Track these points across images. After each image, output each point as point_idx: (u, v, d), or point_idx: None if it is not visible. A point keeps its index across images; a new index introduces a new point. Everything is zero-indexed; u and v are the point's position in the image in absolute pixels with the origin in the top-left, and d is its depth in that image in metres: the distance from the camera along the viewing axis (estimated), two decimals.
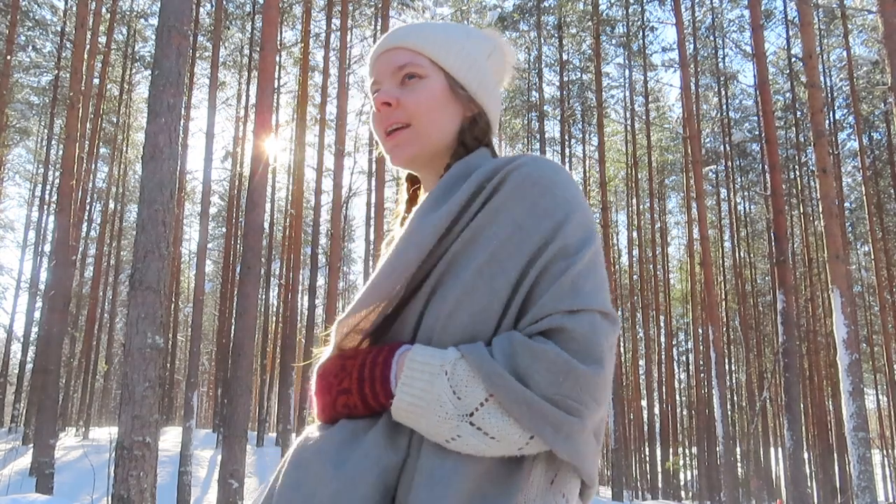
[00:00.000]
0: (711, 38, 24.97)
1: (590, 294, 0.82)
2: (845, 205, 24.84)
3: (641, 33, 24.17)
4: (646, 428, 28.38)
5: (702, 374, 25.17)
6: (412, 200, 1.09)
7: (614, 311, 0.85)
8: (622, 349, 27.28)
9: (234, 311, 15.90)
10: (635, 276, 28.59)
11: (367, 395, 0.84)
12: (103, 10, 17.88)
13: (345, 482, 0.80)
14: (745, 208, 28.35)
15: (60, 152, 17.78)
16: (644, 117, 25.40)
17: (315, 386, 0.92)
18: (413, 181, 1.10)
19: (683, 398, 32.87)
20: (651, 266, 27.33)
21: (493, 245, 0.85)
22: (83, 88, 13.87)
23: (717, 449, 16.54)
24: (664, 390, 26.45)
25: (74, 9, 18.10)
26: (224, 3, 19.36)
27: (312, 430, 0.91)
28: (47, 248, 20.95)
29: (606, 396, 0.82)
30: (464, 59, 1.00)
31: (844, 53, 22.63)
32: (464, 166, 0.94)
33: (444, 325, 0.84)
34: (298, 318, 21.00)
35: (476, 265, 0.84)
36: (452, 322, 0.84)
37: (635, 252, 27.15)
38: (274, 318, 27.95)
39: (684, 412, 33.00)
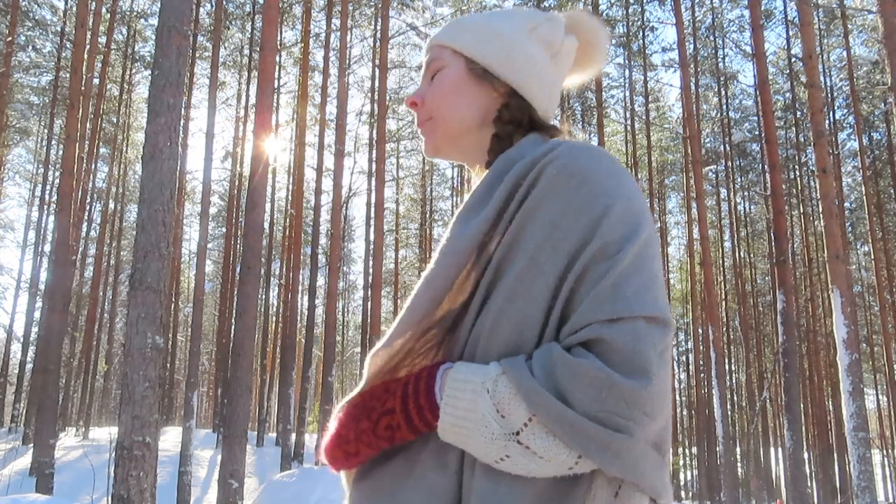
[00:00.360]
0: (711, 38, 24.97)
1: (632, 298, 0.75)
2: (845, 205, 24.84)
3: (641, 33, 24.18)
4: None
5: (702, 374, 25.16)
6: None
7: (666, 312, 0.77)
8: None
9: (234, 311, 15.89)
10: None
11: (411, 412, 0.80)
12: (103, 10, 17.89)
13: None
14: (745, 208, 28.35)
15: (60, 152, 17.78)
16: (644, 117, 25.40)
17: (341, 419, 0.85)
18: None
19: (683, 398, 32.86)
20: None
21: (532, 248, 0.79)
22: (83, 88, 13.87)
23: (717, 449, 16.54)
24: None
25: (74, 9, 18.09)
26: (224, 3, 19.35)
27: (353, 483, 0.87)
28: (47, 248, 20.95)
29: (662, 408, 0.74)
30: (485, 37, 0.95)
31: (844, 53, 22.64)
32: (504, 161, 0.88)
33: (489, 338, 0.80)
34: (298, 318, 21.00)
35: (517, 271, 0.79)
36: (496, 333, 0.79)
37: None
38: (274, 318, 27.95)
39: (684, 412, 32.99)
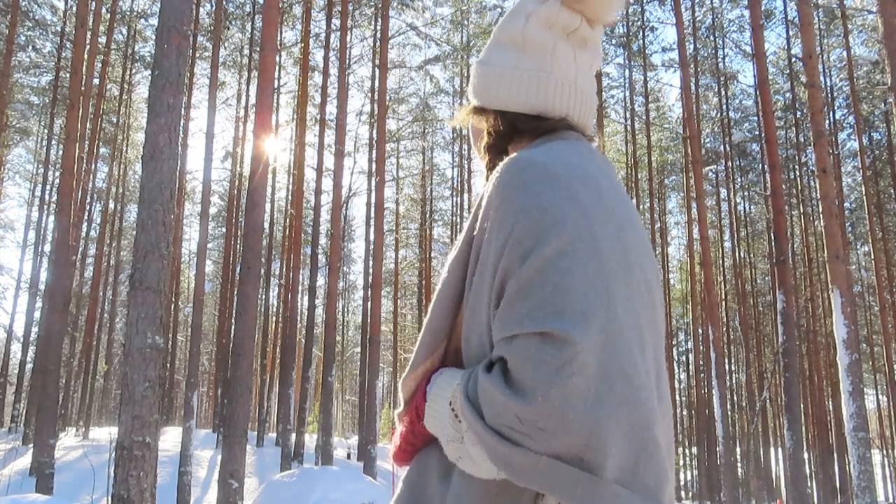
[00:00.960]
0: (711, 38, 24.96)
1: (525, 316, 0.75)
2: (845, 205, 24.83)
3: (641, 33, 24.17)
4: None
5: (702, 374, 25.16)
6: None
7: (567, 325, 0.73)
8: None
9: (234, 311, 15.89)
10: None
11: (419, 411, 0.91)
12: (103, 10, 17.88)
13: None
14: (745, 208, 28.34)
15: (60, 152, 17.78)
16: (644, 117, 25.39)
17: (404, 410, 0.98)
18: None
19: (683, 398, 32.86)
20: None
21: (480, 263, 0.86)
22: (83, 88, 13.87)
23: (717, 449, 16.54)
24: None
25: (74, 9, 18.09)
26: (224, 3, 19.35)
27: None
28: (47, 248, 20.94)
29: (563, 423, 0.72)
30: (472, 82, 1.03)
31: (844, 53, 22.62)
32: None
33: (466, 348, 0.89)
34: (298, 318, 21.00)
35: (474, 287, 0.86)
36: (469, 344, 0.88)
37: None
38: (274, 318, 27.95)
39: (684, 412, 32.99)
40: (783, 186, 14.43)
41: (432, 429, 0.88)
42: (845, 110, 25.57)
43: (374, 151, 19.64)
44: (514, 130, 0.99)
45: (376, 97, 19.90)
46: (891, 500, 28.98)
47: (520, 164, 0.85)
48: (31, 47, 23.03)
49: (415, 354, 0.95)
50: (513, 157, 0.87)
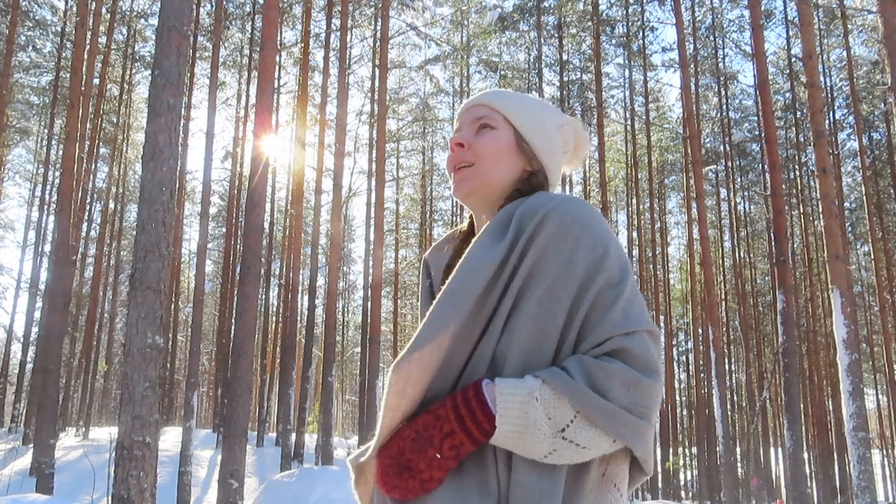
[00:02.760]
0: (711, 38, 24.96)
1: (638, 317, 0.97)
2: (845, 205, 24.83)
3: (641, 33, 24.17)
4: None
5: (702, 374, 25.16)
6: (470, 229, 1.24)
7: (656, 327, 1.00)
8: None
9: (234, 311, 15.89)
10: (635, 276, 28.55)
11: (470, 429, 0.95)
12: (103, 10, 17.88)
13: None
14: (745, 208, 28.34)
15: (60, 152, 17.78)
16: (644, 117, 25.39)
17: (402, 454, 0.98)
18: (471, 226, 1.24)
19: (683, 398, 32.86)
20: (651, 266, 27.32)
21: (548, 279, 0.98)
22: (83, 88, 13.87)
23: (717, 449, 16.54)
24: (664, 390, 26.45)
25: (74, 9, 18.10)
26: (224, 3, 19.35)
27: None
28: (47, 248, 20.94)
29: (661, 399, 0.97)
30: (533, 121, 1.16)
31: (844, 53, 22.63)
32: (510, 207, 1.07)
33: (514, 352, 0.98)
34: (298, 318, 21.00)
35: (536, 297, 0.98)
36: (520, 348, 0.98)
37: (635, 252, 27.13)
38: (274, 318, 27.94)
39: (684, 412, 32.99)
40: (783, 186, 14.43)
41: (509, 437, 0.93)
42: (845, 110, 25.57)
43: (374, 151, 19.63)
44: (542, 183, 1.17)
45: (376, 97, 19.89)
46: (891, 500, 28.97)
47: (582, 202, 1.05)
48: (31, 47, 23.03)
49: (427, 329, 0.98)
50: (568, 197, 1.04)
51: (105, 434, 21.00)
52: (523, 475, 0.94)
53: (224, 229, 25.57)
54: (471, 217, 1.24)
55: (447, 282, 1.02)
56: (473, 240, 1.06)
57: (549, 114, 1.20)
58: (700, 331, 23.93)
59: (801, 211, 25.27)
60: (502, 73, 26.75)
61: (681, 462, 28.43)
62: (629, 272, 1.01)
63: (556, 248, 0.99)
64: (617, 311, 0.96)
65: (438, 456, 0.96)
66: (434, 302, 1.01)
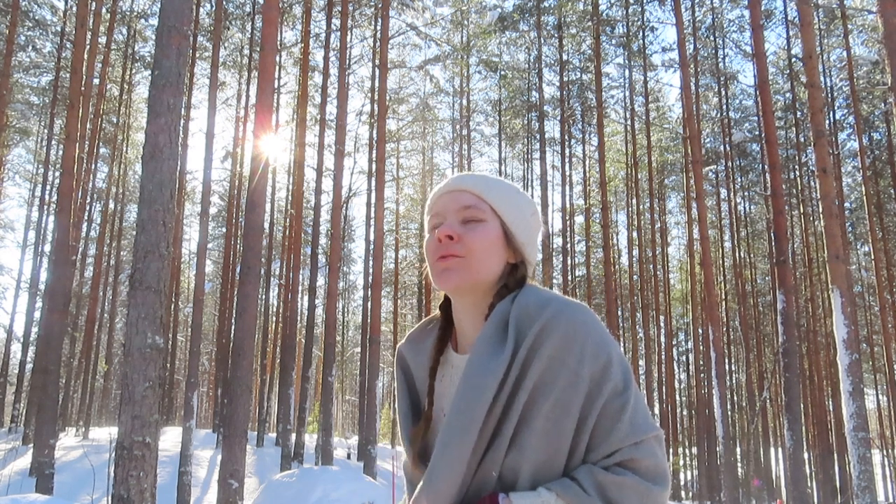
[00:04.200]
0: (711, 38, 24.96)
1: (643, 426, 1.00)
2: (845, 205, 24.82)
3: (641, 33, 24.16)
4: None
5: (702, 374, 25.16)
6: (444, 331, 1.21)
7: (661, 430, 1.03)
8: (623, 349, 27.21)
9: (234, 311, 15.89)
10: (635, 276, 28.58)
11: None
12: (103, 10, 17.88)
13: None
14: (745, 208, 28.33)
15: (60, 152, 17.77)
16: (644, 117, 25.39)
17: None
18: (446, 309, 1.21)
19: (683, 398, 32.86)
20: (651, 266, 27.34)
21: (555, 393, 0.99)
22: (83, 88, 13.87)
23: (717, 449, 16.54)
24: (664, 390, 26.45)
25: (74, 9, 18.09)
26: (224, 3, 19.35)
27: None
28: (47, 248, 20.95)
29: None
30: (517, 214, 1.15)
31: (844, 53, 22.61)
32: (505, 308, 1.07)
33: (526, 468, 0.99)
34: (298, 318, 20.99)
35: (544, 412, 0.99)
36: (531, 464, 0.99)
37: (635, 252, 27.16)
38: (274, 318, 27.95)
39: (684, 412, 32.99)
40: (783, 186, 14.43)
41: None
42: (845, 110, 25.56)
43: (374, 151, 19.64)
44: (524, 274, 1.17)
45: (376, 97, 19.89)
46: (891, 500, 28.97)
47: (581, 309, 1.05)
48: (31, 47, 23.02)
49: (443, 458, 1.00)
50: (567, 303, 1.05)
51: (105, 434, 21.00)
52: None
53: (224, 229, 25.58)
54: (444, 304, 1.22)
55: (453, 402, 1.03)
56: (471, 351, 1.06)
57: (526, 202, 1.18)
58: (700, 331, 23.93)
59: (801, 211, 25.27)
60: (502, 72, 26.76)
61: (681, 462, 28.44)
62: (632, 377, 1.04)
63: (562, 359, 1.00)
64: (625, 421, 0.99)
65: None
66: (443, 427, 1.03)
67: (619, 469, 0.97)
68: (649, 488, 0.96)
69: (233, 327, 10.31)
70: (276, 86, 18.18)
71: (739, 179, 27.80)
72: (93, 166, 20.99)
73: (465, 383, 1.02)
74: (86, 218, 23.31)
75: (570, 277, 25.64)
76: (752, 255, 28.40)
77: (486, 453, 1.01)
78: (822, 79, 22.95)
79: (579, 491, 0.95)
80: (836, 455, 24.61)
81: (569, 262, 26.03)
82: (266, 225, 21.50)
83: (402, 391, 1.21)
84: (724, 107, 25.87)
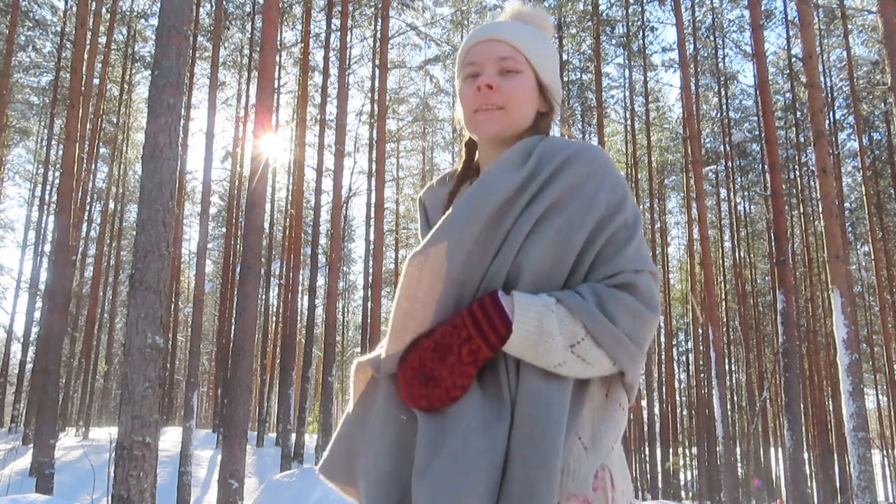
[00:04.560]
0: (711, 38, 24.95)
1: (645, 259, 1.07)
2: (845, 205, 24.82)
3: (641, 33, 24.16)
4: (646, 428, 28.39)
5: (702, 374, 25.15)
6: (467, 166, 1.28)
7: (658, 270, 1.09)
8: None
9: (234, 311, 15.89)
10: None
11: (488, 334, 1.00)
12: (103, 10, 17.88)
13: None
14: (745, 208, 28.32)
15: (60, 152, 17.76)
16: (644, 117, 25.38)
17: (422, 364, 1.03)
18: (470, 149, 1.28)
19: (683, 398, 32.84)
20: None
21: (569, 211, 1.05)
22: (83, 88, 13.86)
23: (717, 449, 16.54)
24: (664, 390, 26.44)
25: (74, 9, 18.09)
26: (224, 3, 19.35)
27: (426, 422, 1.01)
28: (47, 248, 20.94)
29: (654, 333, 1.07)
30: (548, 63, 1.21)
31: (844, 53, 22.61)
32: (531, 141, 1.13)
33: (528, 273, 1.03)
34: (298, 318, 20.99)
35: (555, 225, 1.04)
36: (534, 270, 1.03)
37: None
38: (274, 318, 27.94)
39: (684, 412, 32.98)
40: (783, 186, 14.42)
41: (523, 344, 0.99)
42: (845, 110, 25.55)
43: (374, 151, 19.63)
44: (551, 121, 1.24)
45: (376, 97, 19.89)
46: (891, 500, 28.97)
47: (602, 150, 1.12)
48: (31, 47, 23.02)
49: (451, 222, 1.04)
50: (589, 144, 1.12)
51: (105, 434, 21.00)
52: (531, 382, 0.99)
53: (224, 229, 25.57)
54: (468, 156, 1.28)
55: (462, 197, 1.07)
56: (487, 167, 1.12)
57: (553, 51, 1.24)
58: (700, 331, 23.93)
59: (801, 211, 25.26)
60: None
61: (681, 462, 28.42)
62: (640, 219, 1.10)
63: (580, 185, 1.06)
64: (630, 249, 1.05)
65: (459, 362, 1.00)
66: (446, 216, 1.06)
67: (617, 289, 1.03)
68: (642, 310, 1.02)
69: (233, 327, 10.30)
70: (276, 86, 18.17)
71: (739, 179, 27.79)
72: (93, 166, 20.98)
73: (478, 184, 1.07)
74: (86, 218, 23.30)
75: None
76: (752, 255, 28.40)
77: (494, 258, 1.05)
78: (822, 79, 22.94)
79: (579, 298, 1.00)
80: (836, 455, 24.61)
81: None
82: (266, 225, 21.50)
83: (423, 228, 1.27)
84: (724, 107, 25.87)
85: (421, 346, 1.04)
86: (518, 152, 1.11)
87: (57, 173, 20.30)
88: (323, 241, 20.81)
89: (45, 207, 23.55)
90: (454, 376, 1.00)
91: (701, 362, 25.31)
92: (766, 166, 20.99)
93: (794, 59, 21.12)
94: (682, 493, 27.76)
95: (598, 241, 1.04)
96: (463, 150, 1.29)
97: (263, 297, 22.87)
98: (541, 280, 1.03)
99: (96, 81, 19.02)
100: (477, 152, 1.27)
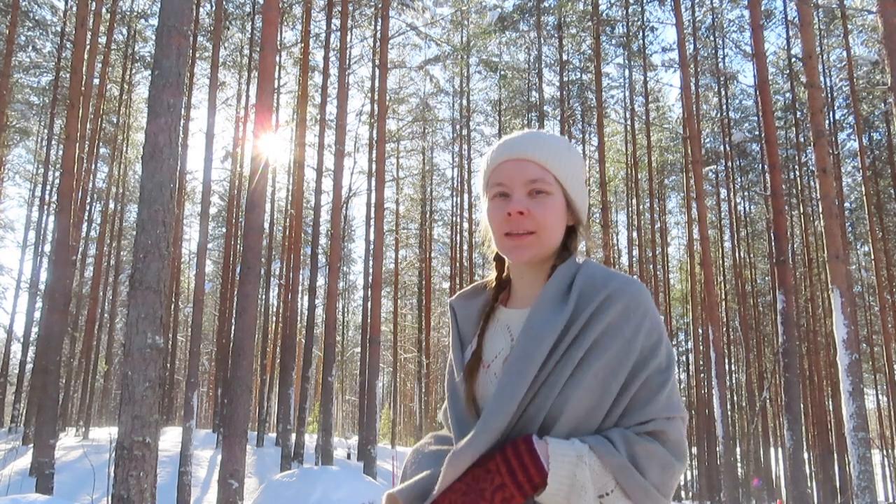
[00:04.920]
0: (711, 38, 24.95)
1: (677, 404, 1.09)
2: (845, 205, 24.82)
3: (641, 33, 24.15)
4: None
5: (702, 374, 25.15)
6: (499, 286, 1.28)
7: (686, 413, 1.11)
8: None
9: (234, 311, 15.89)
10: (635, 276, 28.55)
11: (522, 482, 1.01)
12: (103, 10, 17.87)
13: None
14: (745, 208, 28.33)
15: (60, 152, 17.77)
16: (644, 117, 25.39)
17: (458, 500, 1.04)
18: (499, 262, 1.28)
19: (683, 398, 32.80)
20: (651, 266, 27.32)
21: (608, 355, 1.06)
22: (83, 88, 13.87)
23: (717, 449, 16.54)
24: None
25: (74, 9, 18.10)
26: (224, 3, 19.35)
27: None
28: (47, 248, 20.95)
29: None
30: (575, 179, 1.21)
31: (844, 53, 22.61)
32: (568, 273, 1.16)
33: (566, 417, 1.05)
34: (298, 318, 20.99)
35: (594, 369, 1.06)
36: (573, 414, 1.05)
37: (635, 252, 27.14)
38: (274, 318, 27.95)
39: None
40: (783, 186, 14.42)
41: (557, 493, 1.00)
42: (845, 110, 25.56)
43: (374, 151, 19.63)
44: (578, 234, 1.25)
45: (376, 97, 19.89)
46: (891, 500, 28.97)
47: (643, 288, 1.14)
48: (31, 47, 23.02)
49: (485, 429, 1.06)
50: (631, 280, 1.14)
51: (105, 434, 21.00)
52: None
53: (224, 229, 25.58)
54: (498, 269, 1.29)
55: (515, 347, 1.10)
56: (533, 306, 1.13)
57: (580, 164, 1.23)
58: (700, 331, 23.93)
59: (801, 211, 25.27)
60: (502, 73, 26.76)
61: None
62: (674, 362, 1.12)
63: (619, 327, 1.08)
64: (663, 396, 1.07)
65: None
66: (504, 370, 1.09)
67: (649, 438, 1.04)
68: (672, 461, 1.04)
69: (233, 327, 10.31)
70: (276, 86, 18.18)
71: (739, 179, 27.80)
72: (93, 166, 20.98)
73: (527, 331, 1.10)
74: (86, 218, 23.31)
75: None
76: (752, 255, 28.40)
77: (533, 399, 1.07)
78: (822, 79, 22.95)
79: (611, 448, 1.02)
80: (836, 455, 24.61)
81: None
82: (266, 225, 21.50)
83: (454, 341, 1.27)
84: (724, 107, 25.87)
85: (453, 488, 1.05)
86: (556, 290, 1.13)
87: (57, 173, 20.31)
88: (323, 241, 20.81)
89: (45, 207, 23.56)
90: None
91: (701, 362, 25.31)
92: (766, 166, 21.00)
93: (794, 59, 21.13)
94: (682, 493, 27.76)
95: (632, 386, 1.07)
96: (494, 265, 1.30)
97: (263, 297, 22.88)
98: (578, 424, 1.06)
99: (96, 81, 19.02)
100: (506, 267, 1.28)
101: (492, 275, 1.30)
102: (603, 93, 22.85)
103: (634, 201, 25.41)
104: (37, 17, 22.21)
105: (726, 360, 26.32)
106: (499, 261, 1.29)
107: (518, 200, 1.15)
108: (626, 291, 1.11)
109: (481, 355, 1.18)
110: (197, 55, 21.55)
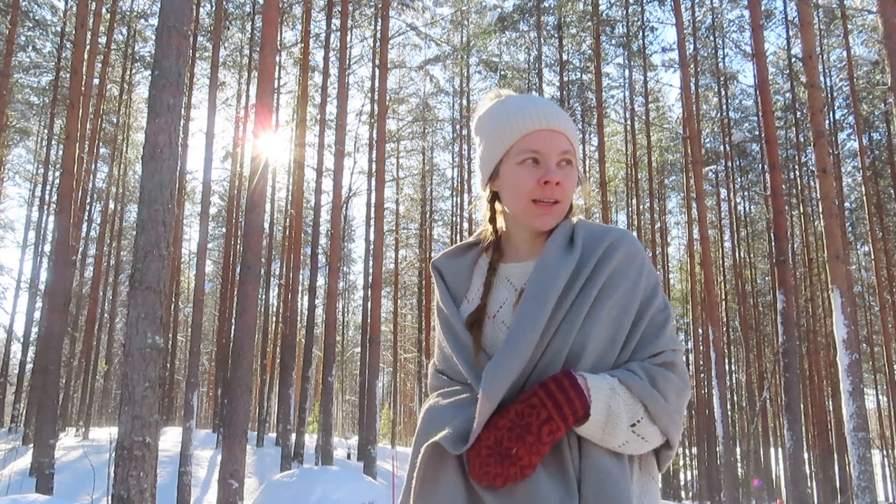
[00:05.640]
0: (711, 38, 24.95)
1: (677, 338, 1.21)
2: (845, 205, 24.82)
3: (641, 33, 24.15)
4: None
5: (702, 374, 25.15)
6: (496, 243, 1.33)
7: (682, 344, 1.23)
8: None
9: (234, 311, 15.89)
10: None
11: (567, 415, 1.07)
12: (103, 10, 17.87)
13: None
14: (745, 208, 28.33)
15: (60, 152, 17.77)
16: (644, 117, 25.38)
17: (500, 443, 1.08)
18: (494, 224, 1.33)
19: None
20: None
21: (618, 294, 1.16)
22: (83, 88, 13.87)
23: (717, 449, 16.55)
24: None
25: (74, 9, 18.10)
26: (224, 3, 19.34)
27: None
28: (47, 248, 20.95)
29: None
30: (579, 151, 1.29)
31: (844, 53, 22.61)
32: (567, 229, 1.24)
33: (589, 351, 1.13)
34: (298, 318, 20.99)
35: (607, 307, 1.15)
36: (594, 348, 1.13)
37: None
38: (274, 318, 27.94)
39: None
40: (783, 186, 14.42)
41: (595, 425, 1.07)
42: (845, 110, 25.56)
43: (374, 151, 19.63)
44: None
45: (376, 97, 19.89)
46: (891, 500, 28.97)
47: (636, 239, 1.25)
48: (31, 47, 23.02)
49: (514, 354, 1.10)
50: (627, 233, 1.24)
51: (105, 434, 21.00)
52: (599, 460, 1.08)
53: (224, 229, 25.58)
54: (496, 230, 1.33)
55: (529, 283, 1.16)
56: (541, 254, 1.20)
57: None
58: (700, 331, 23.92)
59: (801, 211, 25.26)
60: (502, 73, 26.74)
61: (681, 462, 28.42)
62: (669, 302, 1.25)
63: (624, 271, 1.19)
64: (667, 330, 1.18)
65: (537, 441, 1.06)
66: (521, 302, 1.15)
67: (663, 367, 1.15)
68: (683, 387, 1.15)
69: (233, 327, 10.31)
70: (276, 86, 18.18)
71: (739, 179, 27.79)
72: (93, 166, 20.99)
73: (540, 271, 1.17)
74: (86, 218, 23.32)
75: None
76: (752, 255, 28.40)
77: (555, 335, 1.13)
78: (822, 79, 22.95)
79: (637, 378, 1.10)
80: (836, 455, 24.60)
81: None
82: (266, 225, 21.50)
83: (445, 298, 1.29)
84: (724, 107, 25.87)
85: (497, 426, 1.09)
86: (562, 240, 1.22)
87: (57, 173, 20.31)
88: (323, 241, 20.81)
89: (45, 207, 23.57)
90: (531, 455, 1.06)
91: (701, 362, 25.31)
92: (766, 166, 20.99)
93: (794, 59, 21.13)
94: (682, 493, 27.76)
95: (641, 322, 1.17)
96: (490, 226, 1.33)
97: (263, 297, 22.88)
98: (599, 358, 1.14)
99: (96, 81, 19.03)
100: (500, 224, 1.32)
101: (479, 234, 1.35)
102: (603, 93, 22.85)
103: (634, 201, 25.41)
104: (37, 17, 22.21)
105: (726, 360, 26.32)
106: (493, 221, 1.33)
107: (554, 171, 1.21)
108: (624, 240, 1.22)
109: (485, 306, 1.23)
110: (197, 55, 21.55)
